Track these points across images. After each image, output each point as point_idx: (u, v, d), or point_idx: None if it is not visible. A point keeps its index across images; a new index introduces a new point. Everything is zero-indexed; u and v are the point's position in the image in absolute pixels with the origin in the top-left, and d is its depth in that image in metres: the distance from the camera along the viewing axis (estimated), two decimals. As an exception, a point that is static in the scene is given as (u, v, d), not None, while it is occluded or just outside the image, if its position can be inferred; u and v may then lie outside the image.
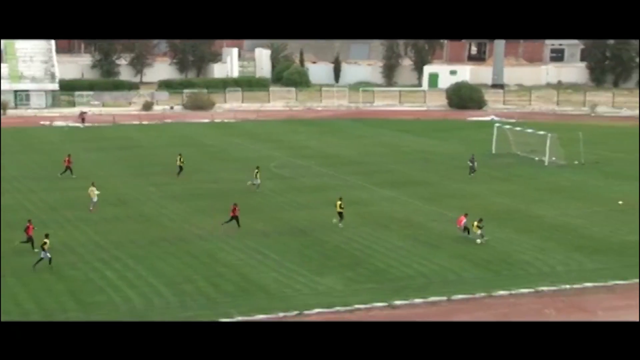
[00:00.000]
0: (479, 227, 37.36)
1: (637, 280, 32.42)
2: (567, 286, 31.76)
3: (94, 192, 42.85)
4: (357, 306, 29.20)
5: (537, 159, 58.54)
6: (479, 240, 37.19)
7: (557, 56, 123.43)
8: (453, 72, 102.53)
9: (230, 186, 48.85)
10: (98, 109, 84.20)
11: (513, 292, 31.08)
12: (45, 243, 32.84)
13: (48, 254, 32.72)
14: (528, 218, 42.47)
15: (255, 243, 37.06)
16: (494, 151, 61.20)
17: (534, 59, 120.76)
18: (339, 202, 39.96)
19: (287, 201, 45.50)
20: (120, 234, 38.37)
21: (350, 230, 39.35)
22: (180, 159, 52.18)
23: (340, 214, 39.70)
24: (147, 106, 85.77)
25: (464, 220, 38.03)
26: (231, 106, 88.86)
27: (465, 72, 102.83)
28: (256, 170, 48.00)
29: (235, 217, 38.96)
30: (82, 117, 75.62)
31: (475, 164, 53.44)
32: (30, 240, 34.98)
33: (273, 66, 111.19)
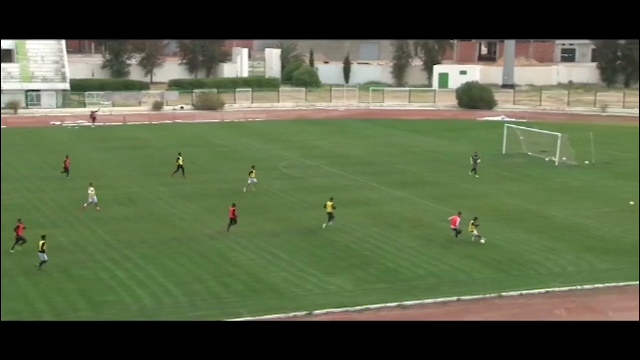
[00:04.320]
0: (475, 225, 37.00)
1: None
2: (578, 287, 31.66)
3: (92, 191, 42.63)
4: (367, 306, 29.19)
5: (547, 159, 58.37)
6: (473, 239, 36.90)
7: (568, 56, 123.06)
8: (463, 72, 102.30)
9: (240, 186, 48.83)
10: (108, 108, 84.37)
11: (523, 292, 31.01)
12: (43, 244, 32.54)
13: (45, 256, 32.53)
14: (539, 218, 42.35)
15: (265, 243, 37.09)
16: (504, 151, 61.05)
17: (544, 59, 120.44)
18: (329, 203, 39.50)
19: (296, 201, 45.51)
20: (131, 233, 38.46)
21: (361, 230, 39.33)
22: (179, 158, 51.55)
23: (330, 214, 39.16)
24: (157, 106, 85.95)
25: (457, 219, 37.50)
26: (241, 106, 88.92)
27: (476, 72, 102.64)
28: (251, 170, 47.32)
29: (233, 219, 38.59)
30: (92, 116, 75.72)
31: (478, 161, 52.75)
32: (20, 239, 34.67)
33: (283, 66, 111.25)
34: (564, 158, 57.27)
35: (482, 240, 36.94)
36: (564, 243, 37.76)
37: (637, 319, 26.36)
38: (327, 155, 59.86)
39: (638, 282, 31.93)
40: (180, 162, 51.41)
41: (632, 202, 45.55)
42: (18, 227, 35.10)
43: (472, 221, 37.17)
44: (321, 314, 28.39)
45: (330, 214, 39.24)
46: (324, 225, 39.17)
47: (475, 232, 37.03)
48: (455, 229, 37.41)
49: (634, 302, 30.39)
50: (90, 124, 74.92)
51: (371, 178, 51.83)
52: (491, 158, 59.28)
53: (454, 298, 30.23)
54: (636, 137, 69.04)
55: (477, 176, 52.02)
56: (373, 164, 57.34)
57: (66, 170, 50.70)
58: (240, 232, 38.56)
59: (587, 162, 57.42)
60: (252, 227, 39.30)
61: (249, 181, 47.08)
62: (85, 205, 42.40)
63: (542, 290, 31.16)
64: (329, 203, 39.50)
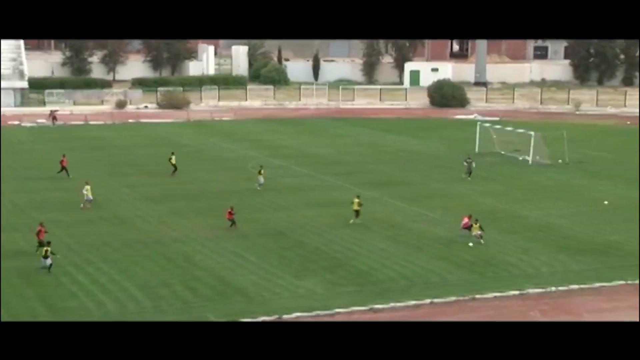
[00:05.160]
0: (479, 228, 37.57)
1: (623, 282, 32.71)
2: (552, 288, 31.87)
3: (88, 190, 43.07)
4: (337, 310, 29.13)
5: (520, 158, 58.79)
6: (471, 244, 37.06)
7: (541, 54, 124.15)
8: (435, 70, 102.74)
9: (207, 187, 48.62)
10: (69, 107, 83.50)
11: (497, 294, 31.14)
12: (46, 250, 32.61)
13: (49, 261, 32.48)
14: (512, 218, 42.60)
15: (233, 245, 36.88)
16: (477, 150, 61.36)
17: (517, 57, 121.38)
18: (356, 200, 40.40)
19: (265, 202, 45.34)
20: (93, 236, 38.04)
21: (331, 231, 39.30)
22: (172, 157, 51.98)
23: (357, 212, 40.21)
24: (120, 105, 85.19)
25: (467, 220, 38.21)
26: (207, 105, 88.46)
27: (447, 70, 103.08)
28: (260, 169, 48.39)
29: (231, 220, 39.12)
30: (52, 116, 75.01)
31: (473, 164, 52.85)
32: (42, 244, 34.33)
33: (250, 64, 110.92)
34: (537, 157, 57.71)
35: (470, 244, 37.18)
36: (537, 243, 38.01)
37: (612, 320, 26.54)
38: (296, 155, 59.74)
39: (638, 281, 32.35)
40: (173, 160, 51.88)
41: (606, 202, 46.03)
42: (40, 231, 34.96)
43: (473, 223, 37.57)
44: (291, 318, 28.27)
45: (357, 211, 40.18)
46: (350, 220, 40.30)
47: (478, 232, 37.46)
48: (467, 229, 38.14)
49: (608, 303, 30.71)
50: (49, 123, 74.20)
51: (341, 178, 51.81)
52: (464, 157, 59.54)
53: (427, 301, 30.28)
54: (609, 136, 69.96)
55: (463, 175, 52.14)
56: (343, 164, 57.33)
57: (63, 169, 50.44)
58: (208, 234, 38.33)
59: (560, 161, 57.94)
60: (220, 229, 39.05)
61: (261, 180, 47.67)
62: (88, 205, 42.74)
63: (516, 292, 31.33)
64: (356, 200, 40.53)
